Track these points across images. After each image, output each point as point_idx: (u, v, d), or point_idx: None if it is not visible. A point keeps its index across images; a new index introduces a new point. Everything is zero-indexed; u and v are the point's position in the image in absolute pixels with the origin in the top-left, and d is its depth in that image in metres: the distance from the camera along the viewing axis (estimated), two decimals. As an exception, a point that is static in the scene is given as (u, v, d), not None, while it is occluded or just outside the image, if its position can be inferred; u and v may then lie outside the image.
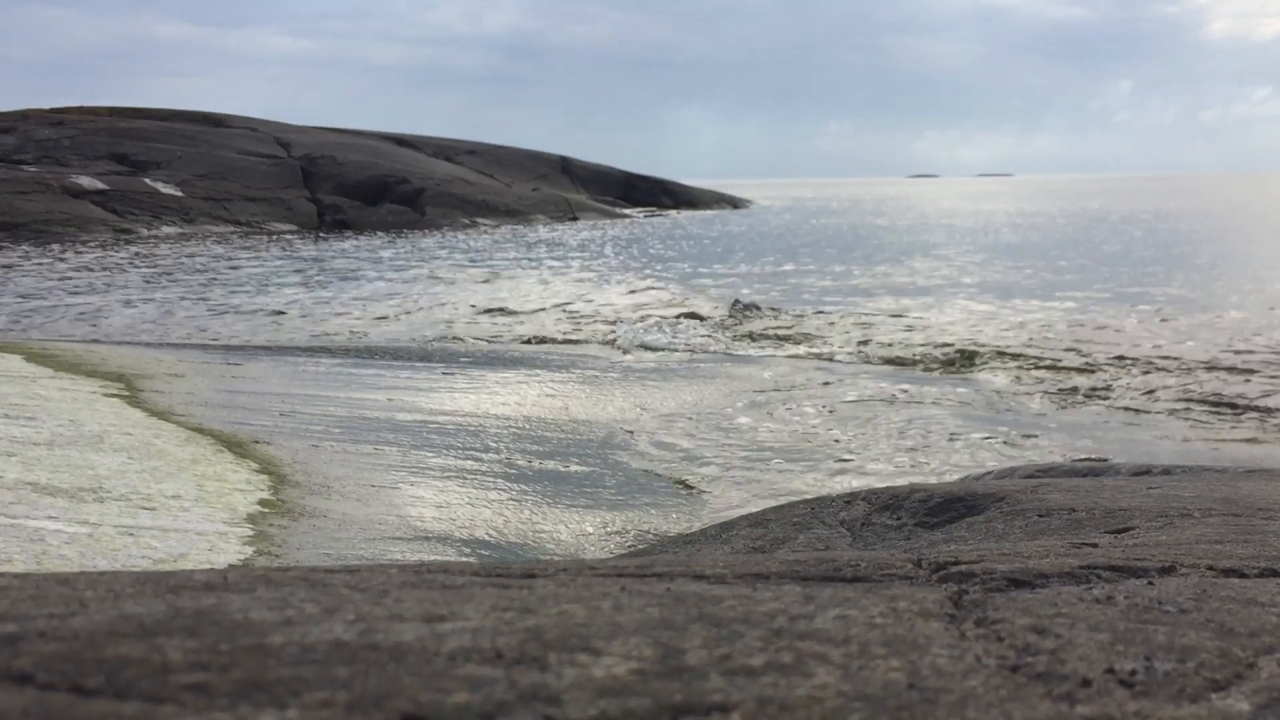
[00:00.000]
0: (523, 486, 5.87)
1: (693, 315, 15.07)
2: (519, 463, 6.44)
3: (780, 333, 13.53)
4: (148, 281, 19.30)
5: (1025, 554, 1.94)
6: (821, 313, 15.48)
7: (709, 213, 54.85)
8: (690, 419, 8.29)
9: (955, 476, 6.36)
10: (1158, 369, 10.62)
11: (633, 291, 18.28)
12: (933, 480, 6.26)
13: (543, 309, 16.01)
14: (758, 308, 15.79)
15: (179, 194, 34.65)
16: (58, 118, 42.73)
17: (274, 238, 31.56)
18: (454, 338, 13.18)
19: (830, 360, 11.52)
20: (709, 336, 13.33)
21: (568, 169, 52.99)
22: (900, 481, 6.23)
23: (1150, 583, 1.72)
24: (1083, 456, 7.24)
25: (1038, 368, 10.83)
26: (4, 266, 21.47)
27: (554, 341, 12.89)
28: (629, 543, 5.01)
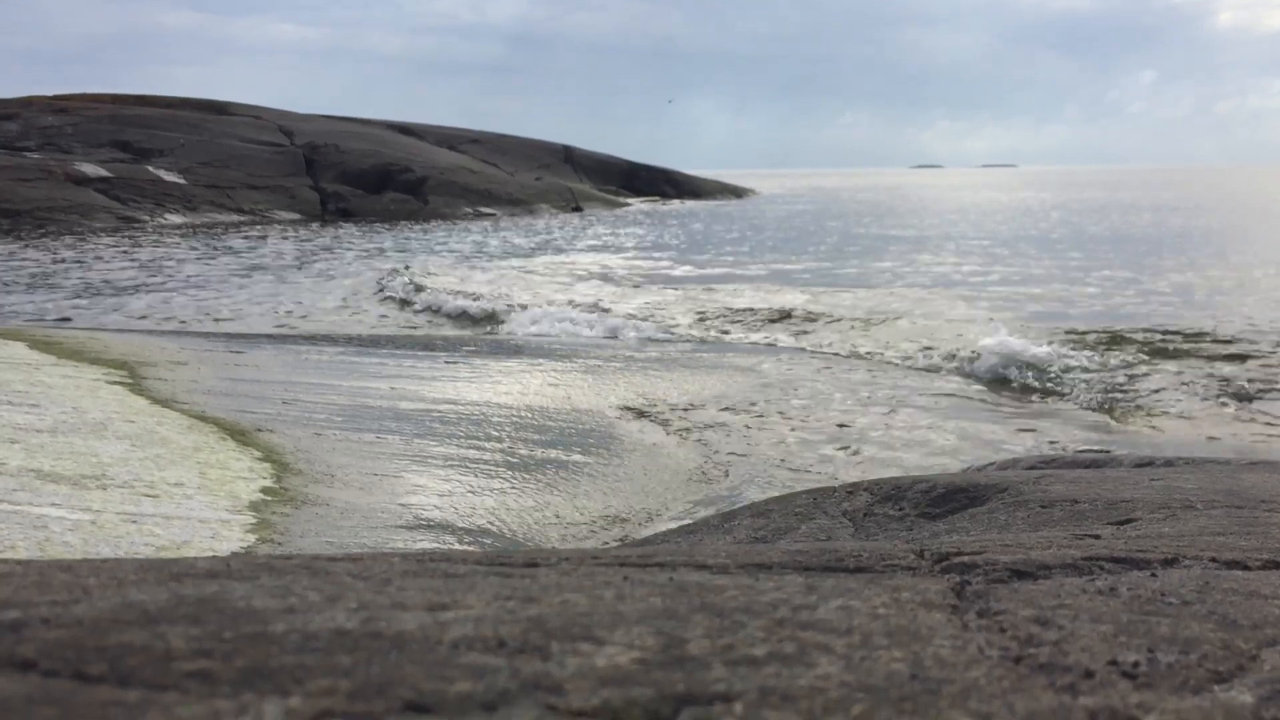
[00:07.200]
0: (525, 475, 5.88)
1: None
2: (521, 451, 6.45)
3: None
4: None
5: (1028, 545, 1.94)
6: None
7: (739, 201, 54.87)
8: (692, 408, 8.29)
9: (958, 467, 6.36)
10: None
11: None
12: (935, 471, 6.26)
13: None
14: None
15: (182, 181, 34.63)
16: (61, 105, 42.70)
17: (297, 225, 31.54)
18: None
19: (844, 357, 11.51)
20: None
21: (571, 158, 52.90)
22: (904, 472, 6.23)
23: (1153, 574, 1.71)
24: (1086, 447, 7.24)
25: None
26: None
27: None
28: (631, 532, 5.02)
